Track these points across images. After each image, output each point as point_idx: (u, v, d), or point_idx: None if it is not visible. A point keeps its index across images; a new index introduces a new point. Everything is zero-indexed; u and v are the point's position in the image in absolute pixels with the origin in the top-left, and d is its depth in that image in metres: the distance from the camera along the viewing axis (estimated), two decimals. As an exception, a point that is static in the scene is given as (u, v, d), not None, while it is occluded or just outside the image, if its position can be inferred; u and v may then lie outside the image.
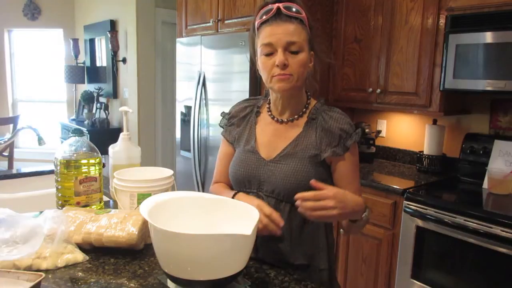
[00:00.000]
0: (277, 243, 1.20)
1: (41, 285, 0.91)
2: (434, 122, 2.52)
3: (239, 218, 1.00)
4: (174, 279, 0.92)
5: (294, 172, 1.16)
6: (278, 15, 1.12)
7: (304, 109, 1.23)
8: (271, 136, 1.24)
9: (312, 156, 1.18)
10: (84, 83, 5.17)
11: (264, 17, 1.14)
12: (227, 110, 1.38)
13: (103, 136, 4.45)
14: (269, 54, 1.13)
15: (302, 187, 1.15)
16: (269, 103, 1.28)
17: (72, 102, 5.42)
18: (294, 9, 1.12)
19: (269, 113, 1.27)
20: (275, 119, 1.25)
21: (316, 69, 1.22)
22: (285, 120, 1.24)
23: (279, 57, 1.10)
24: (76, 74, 5.01)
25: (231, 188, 1.32)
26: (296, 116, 1.23)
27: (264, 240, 1.21)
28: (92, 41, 5.21)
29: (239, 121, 1.31)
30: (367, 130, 2.76)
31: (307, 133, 1.20)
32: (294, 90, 1.18)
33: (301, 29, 1.12)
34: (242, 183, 1.25)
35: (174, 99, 3.46)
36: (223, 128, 1.36)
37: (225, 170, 1.32)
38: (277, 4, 1.12)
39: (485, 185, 2.18)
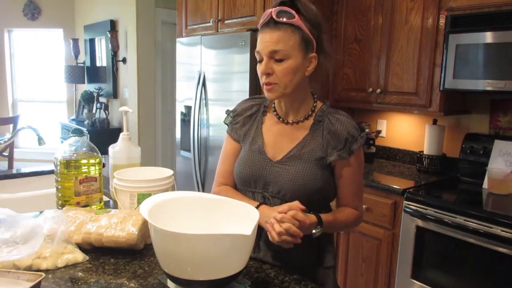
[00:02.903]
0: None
1: (41, 285, 0.91)
2: (434, 122, 2.52)
3: (239, 218, 1.00)
4: (174, 279, 0.92)
5: (301, 174, 1.16)
6: (269, 22, 1.13)
7: (310, 112, 1.23)
8: (277, 137, 1.24)
9: (318, 158, 1.18)
10: (84, 83, 5.17)
11: (261, 21, 1.16)
12: (231, 109, 1.38)
13: (103, 136, 4.45)
14: (260, 61, 1.16)
15: (308, 190, 1.16)
16: (274, 103, 1.29)
17: (72, 102, 5.42)
18: (285, 15, 1.11)
19: (275, 113, 1.27)
20: (281, 119, 1.25)
21: (322, 71, 1.21)
22: (291, 121, 1.24)
23: (262, 66, 1.14)
24: (76, 74, 5.01)
25: (235, 189, 1.31)
26: (302, 118, 1.23)
27: (266, 240, 1.21)
28: (92, 41, 5.21)
29: (245, 119, 1.31)
30: (367, 130, 2.76)
31: (314, 135, 1.20)
32: (286, 97, 1.19)
33: (289, 35, 1.11)
34: (247, 183, 1.24)
35: (174, 99, 3.46)
36: (227, 125, 1.35)
37: (230, 169, 1.30)
38: (271, 10, 1.13)
39: (485, 185, 2.18)
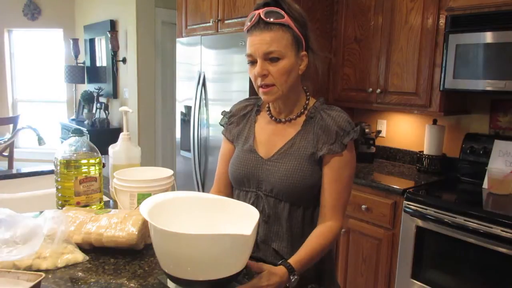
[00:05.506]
0: (278, 243, 1.20)
1: (41, 285, 0.91)
2: (434, 122, 2.52)
3: (239, 218, 1.00)
4: (174, 279, 0.92)
5: (291, 171, 1.16)
6: (258, 23, 1.11)
7: (302, 109, 1.23)
8: (270, 135, 1.24)
9: (309, 155, 1.17)
10: (84, 83, 5.16)
11: (248, 23, 1.14)
12: (227, 110, 1.38)
13: (103, 136, 4.45)
14: (252, 63, 1.14)
15: (299, 187, 1.15)
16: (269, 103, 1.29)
17: (72, 102, 5.41)
18: (274, 15, 1.10)
19: (268, 112, 1.28)
20: (273, 118, 1.26)
21: (311, 68, 1.20)
22: (283, 119, 1.24)
23: (257, 68, 1.11)
24: (76, 74, 5.01)
25: (231, 189, 1.32)
26: (294, 116, 1.23)
27: (264, 240, 1.22)
28: (92, 41, 5.20)
29: (239, 119, 1.32)
30: (367, 130, 2.76)
31: (305, 131, 1.20)
32: (283, 98, 1.18)
33: (281, 35, 1.10)
34: (241, 182, 1.25)
35: (174, 99, 3.46)
36: (223, 126, 1.36)
37: (225, 170, 1.32)
38: (258, 11, 1.11)
39: (485, 185, 2.18)
